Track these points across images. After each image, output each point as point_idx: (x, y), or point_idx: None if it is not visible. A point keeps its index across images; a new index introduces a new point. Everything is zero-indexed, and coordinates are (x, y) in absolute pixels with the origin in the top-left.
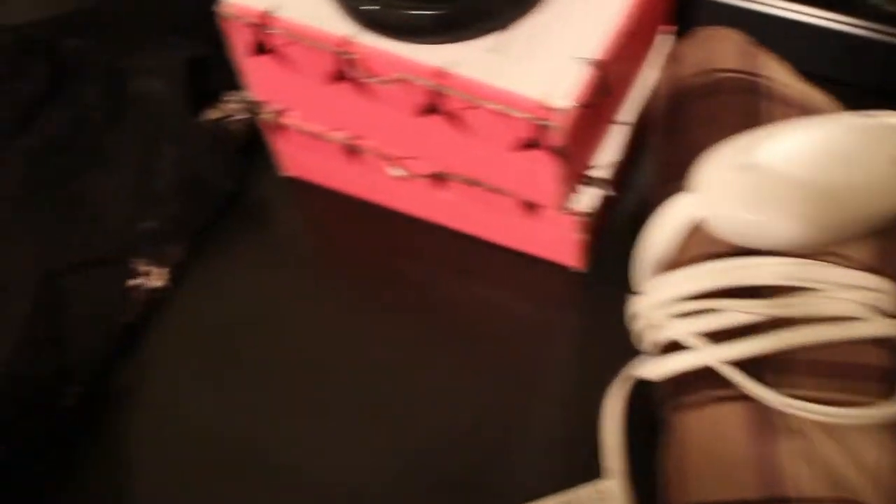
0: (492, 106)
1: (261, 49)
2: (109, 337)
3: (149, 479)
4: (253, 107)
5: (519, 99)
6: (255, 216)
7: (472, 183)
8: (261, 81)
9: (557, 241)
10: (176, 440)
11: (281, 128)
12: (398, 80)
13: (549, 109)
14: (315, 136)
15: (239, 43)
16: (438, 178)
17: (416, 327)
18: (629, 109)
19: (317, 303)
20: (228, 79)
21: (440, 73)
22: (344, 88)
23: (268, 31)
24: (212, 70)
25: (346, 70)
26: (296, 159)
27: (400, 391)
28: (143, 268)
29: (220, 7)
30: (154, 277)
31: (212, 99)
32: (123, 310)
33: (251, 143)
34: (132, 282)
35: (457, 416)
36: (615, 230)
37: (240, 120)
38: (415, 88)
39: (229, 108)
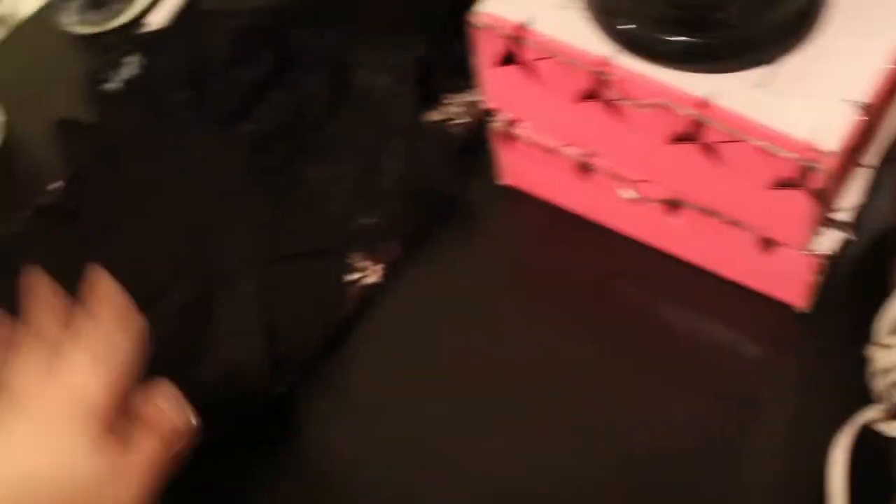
0: (755, 142)
1: (508, 59)
2: (323, 329)
3: (345, 468)
4: (478, 113)
5: (785, 138)
6: (469, 221)
7: (710, 213)
8: (501, 90)
9: (788, 279)
10: (373, 434)
11: (510, 137)
12: (656, 106)
13: (817, 151)
14: (547, 150)
15: (486, 51)
16: (672, 205)
17: (629, 349)
18: (872, 151)
19: (525, 314)
20: (450, 81)
21: (703, 104)
22: (591, 107)
23: (521, 44)
24: (434, 71)
25: (597, 90)
26: (519, 169)
27: (606, 409)
28: (359, 263)
29: (473, 15)
30: (370, 274)
31: (432, 100)
32: (339, 304)
33: (469, 147)
34: (349, 276)
35: (664, 443)
36: (840, 272)
37: (461, 124)
38: (672, 116)
39: (451, 110)
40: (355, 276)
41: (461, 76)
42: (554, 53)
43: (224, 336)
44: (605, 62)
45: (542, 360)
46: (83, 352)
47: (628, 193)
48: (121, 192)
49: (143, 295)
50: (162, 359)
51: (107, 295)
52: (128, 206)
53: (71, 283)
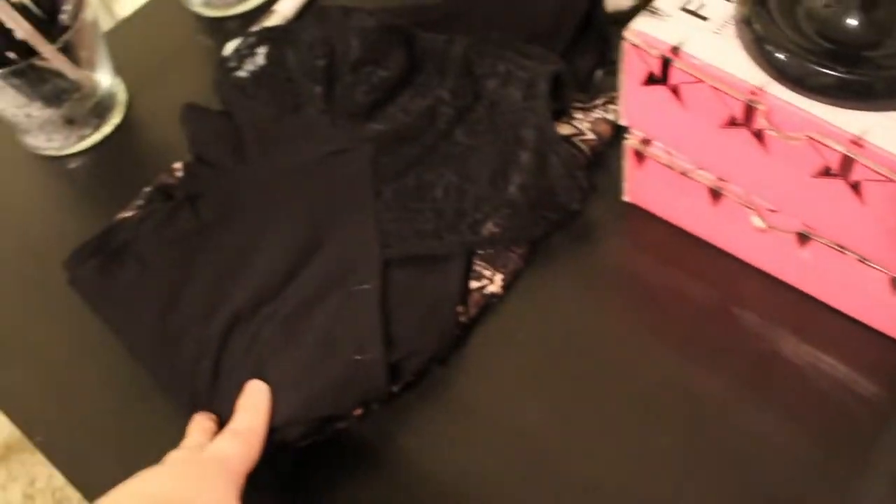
0: None
1: (654, 79)
2: (444, 334)
3: (444, 474)
4: (605, 129)
5: None
6: (590, 236)
7: (840, 249)
8: (641, 109)
9: None
10: (480, 442)
11: (642, 156)
12: (806, 139)
13: None
14: (679, 172)
15: (634, 69)
16: (803, 238)
17: (743, 379)
18: None
19: (640, 334)
20: (578, 96)
21: (856, 141)
22: (735, 134)
23: (671, 65)
24: (564, 85)
25: (745, 117)
26: (645, 188)
27: (715, 438)
28: (481, 270)
29: (628, 33)
30: (491, 282)
31: (561, 114)
32: (461, 310)
33: (595, 163)
34: (472, 283)
35: (773, 476)
36: None
37: (587, 140)
38: (821, 150)
39: (579, 125)
40: (478, 283)
41: (587, 91)
42: (704, 78)
43: (342, 335)
44: (756, 90)
45: (654, 382)
46: (227, 433)
47: (759, 222)
48: (244, 181)
49: (260, 286)
50: (276, 355)
51: (253, 397)
52: (250, 195)
53: (189, 268)
